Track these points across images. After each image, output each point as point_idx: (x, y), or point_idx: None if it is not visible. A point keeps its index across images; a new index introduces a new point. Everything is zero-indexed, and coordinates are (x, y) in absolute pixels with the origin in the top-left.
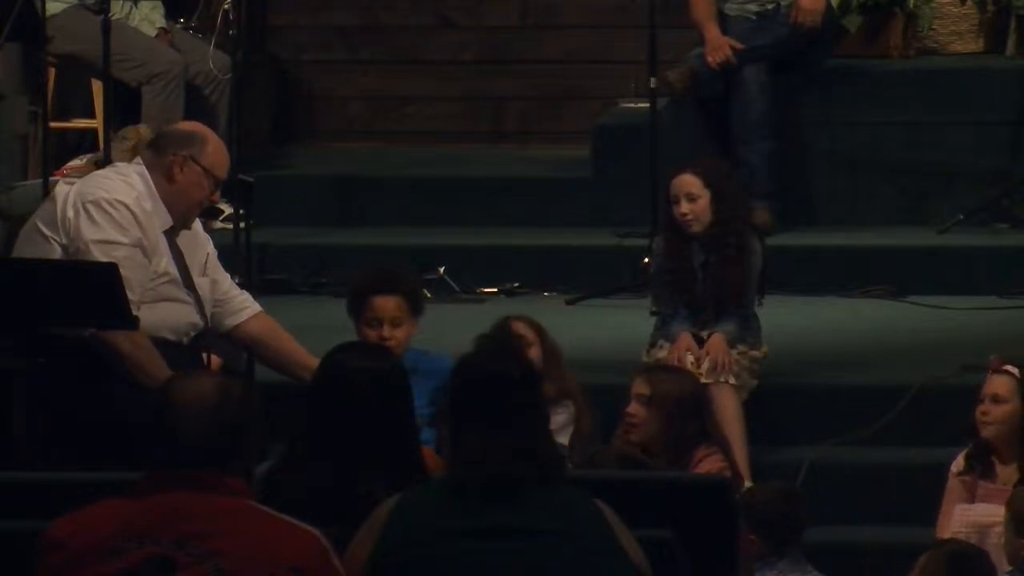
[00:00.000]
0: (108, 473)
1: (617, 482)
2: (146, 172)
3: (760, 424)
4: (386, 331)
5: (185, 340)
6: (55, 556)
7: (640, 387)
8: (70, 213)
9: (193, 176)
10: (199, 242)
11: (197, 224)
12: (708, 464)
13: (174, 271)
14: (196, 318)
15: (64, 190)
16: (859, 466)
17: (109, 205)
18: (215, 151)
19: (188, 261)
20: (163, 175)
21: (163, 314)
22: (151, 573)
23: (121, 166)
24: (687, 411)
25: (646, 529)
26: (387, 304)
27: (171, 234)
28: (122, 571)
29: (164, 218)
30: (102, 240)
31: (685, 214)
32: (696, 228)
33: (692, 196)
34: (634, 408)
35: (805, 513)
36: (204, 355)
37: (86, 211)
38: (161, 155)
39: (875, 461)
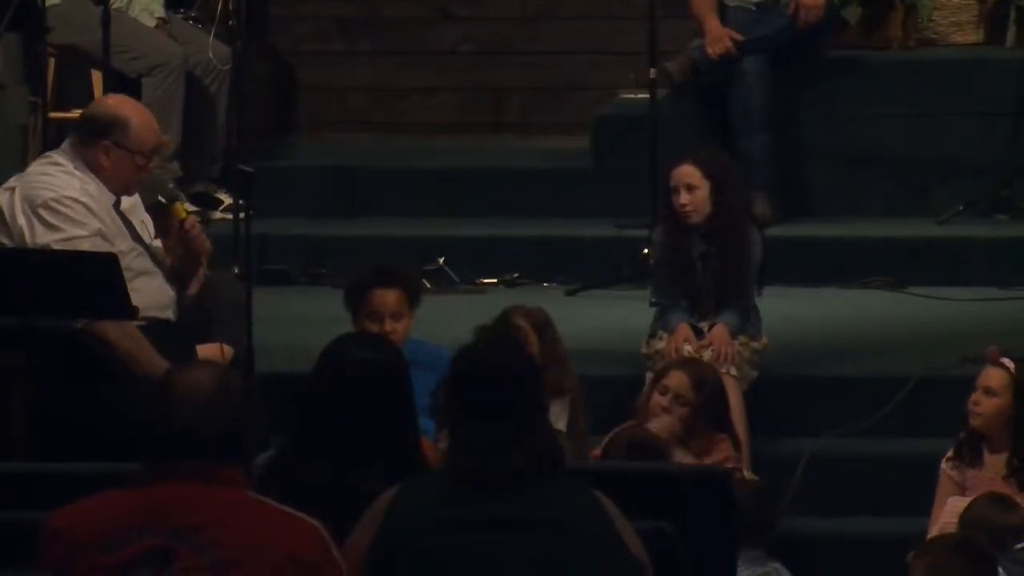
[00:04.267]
0: (108, 465)
1: (616, 474)
2: (78, 157)
3: (759, 416)
4: (388, 325)
5: (172, 315)
6: (55, 547)
7: (680, 385)
8: (21, 221)
9: (121, 160)
10: (138, 206)
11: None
12: (717, 453)
13: (138, 244)
14: (167, 286)
15: (6, 200)
16: (858, 457)
17: (58, 203)
18: (138, 128)
19: (138, 229)
20: (93, 163)
21: (141, 286)
22: (150, 564)
23: (55, 155)
24: (717, 412)
25: (645, 521)
26: (388, 298)
27: (116, 206)
28: (121, 562)
29: (107, 195)
30: (63, 239)
31: (684, 205)
32: (695, 219)
33: (691, 187)
34: (668, 403)
35: (777, 511)
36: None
37: (38, 217)
38: (85, 144)
39: (875, 452)
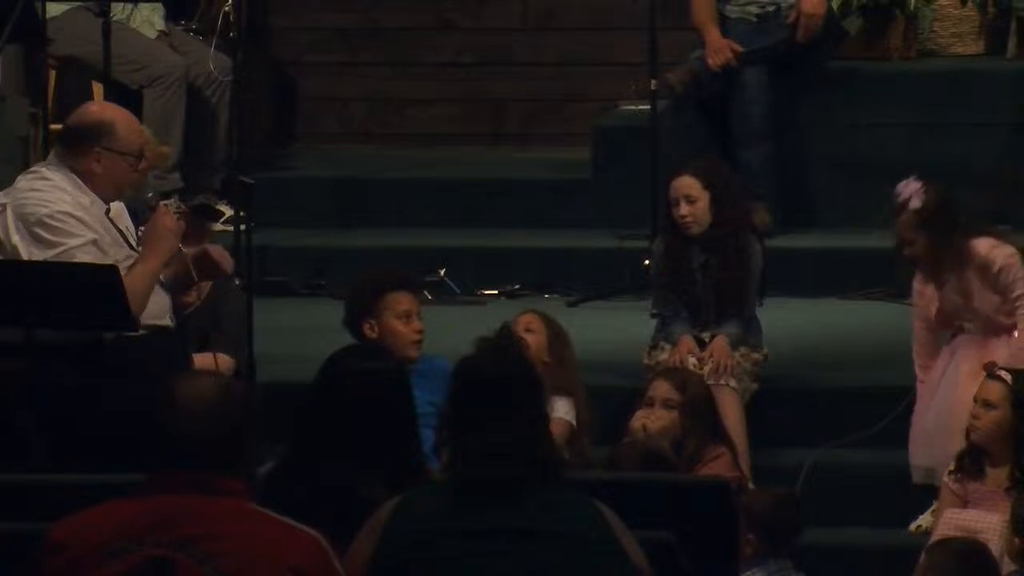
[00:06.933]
0: (111, 475)
1: (619, 484)
2: (66, 168)
3: (760, 426)
4: (418, 324)
5: (170, 322)
6: (56, 559)
7: (666, 392)
8: (16, 239)
9: (113, 163)
10: (124, 213)
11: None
12: (717, 466)
13: (132, 251)
14: (162, 292)
15: None
16: (859, 468)
17: (52, 219)
18: (125, 130)
19: (127, 236)
20: (84, 171)
21: None
22: (151, 574)
23: (43, 170)
24: (706, 416)
25: (647, 531)
26: (412, 298)
27: (107, 214)
28: (122, 573)
29: (100, 205)
30: (60, 253)
31: (684, 216)
32: (695, 230)
33: (691, 198)
34: (660, 413)
35: (801, 519)
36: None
37: (33, 234)
38: (74, 154)
39: (875, 463)
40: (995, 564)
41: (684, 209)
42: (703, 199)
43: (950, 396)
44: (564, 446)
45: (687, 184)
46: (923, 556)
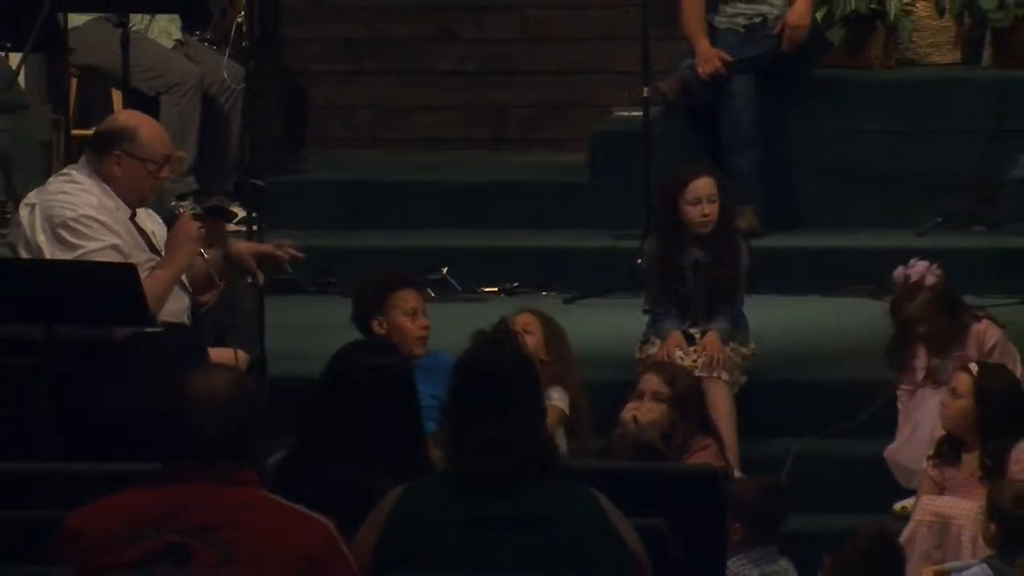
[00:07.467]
0: (127, 465)
1: (612, 473)
2: (93, 172)
3: (748, 418)
4: (424, 320)
5: (186, 320)
6: (74, 544)
7: (656, 385)
8: (41, 239)
9: (133, 168)
10: (152, 217)
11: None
12: (703, 456)
13: (154, 255)
14: (181, 293)
15: (27, 216)
16: (841, 458)
17: (77, 222)
18: (147, 137)
19: (153, 239)
20: (106, 174)
21: None
22: (169, 559)
23: (73, 173)
24: (694, 408)
25: (639, 518)
26: (418, 296)
27: (132, 219)
28: (139, 558)
29: (124, 209)
30: (80, 255)
31: (707, 215)
32: (709, 229)
33: (712, 198)
34: (649, 406)
35: (786, 506)
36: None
37: (57, 236)
38: (98, 157)
39: (857, 453)
40: (901, 555)
41: (707, 208)
42: (719, 199)
43: (930, 422)
44: (556, 431)
45: (709, 184)
46: (826, 556)
